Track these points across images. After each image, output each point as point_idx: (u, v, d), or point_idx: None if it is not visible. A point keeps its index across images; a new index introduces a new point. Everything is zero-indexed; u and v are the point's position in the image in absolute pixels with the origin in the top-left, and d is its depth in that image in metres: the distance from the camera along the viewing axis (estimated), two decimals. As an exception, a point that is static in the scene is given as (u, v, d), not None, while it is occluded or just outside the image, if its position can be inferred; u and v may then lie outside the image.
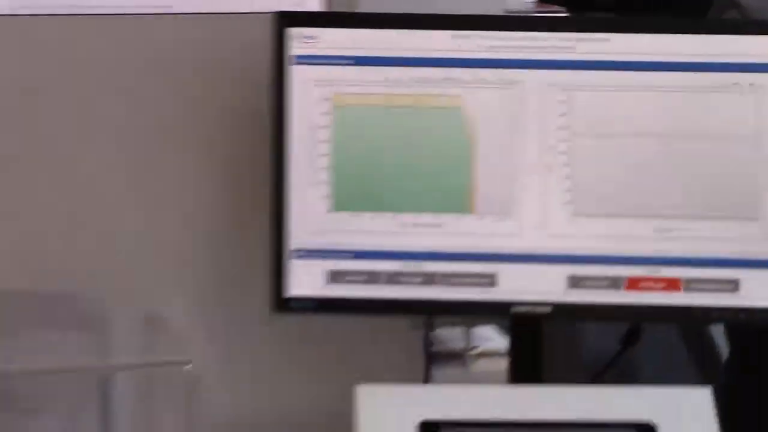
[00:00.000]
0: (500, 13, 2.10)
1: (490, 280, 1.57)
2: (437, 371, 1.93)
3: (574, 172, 1.57)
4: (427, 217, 1.57)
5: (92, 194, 1.77)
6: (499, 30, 1.60)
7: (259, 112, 1.65)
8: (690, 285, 1.55)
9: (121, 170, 1.79)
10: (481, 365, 2.33)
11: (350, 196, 1.60)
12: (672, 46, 1.56)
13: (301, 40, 1.59)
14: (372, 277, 1.59)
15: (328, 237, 1.59)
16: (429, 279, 1.58)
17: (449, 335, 2.33)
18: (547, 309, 1.58)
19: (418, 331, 1.83)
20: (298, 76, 1.58)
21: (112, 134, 1.78)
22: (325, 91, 1.58)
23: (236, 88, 1.77)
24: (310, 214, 1.59)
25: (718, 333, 2.40)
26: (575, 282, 1.57)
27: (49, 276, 1.67)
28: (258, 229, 1.63)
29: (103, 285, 1.67)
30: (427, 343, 1.85)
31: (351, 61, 1.58)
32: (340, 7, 1.74)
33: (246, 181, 1.75)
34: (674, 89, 1.55)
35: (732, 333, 2.15)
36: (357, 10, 1.75)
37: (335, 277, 1.58)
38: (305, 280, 1.59)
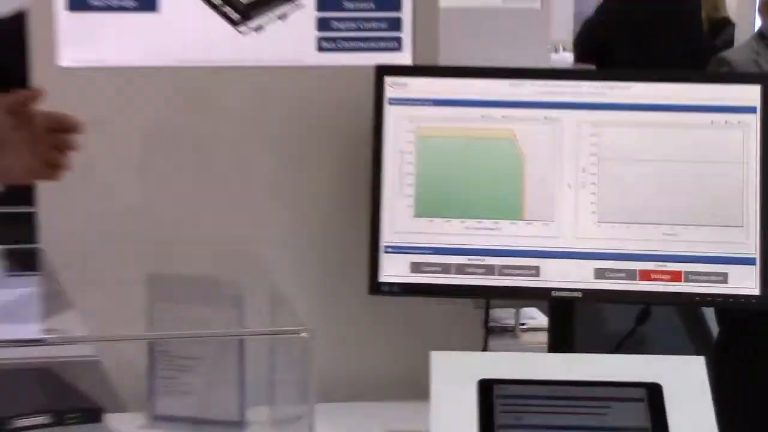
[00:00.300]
0: (547, 66, 2.29)
1: (534, 272, 1.78)
2: (493, 342, 2.09)
3: (600, 189, 1.77)
4: (487, 223, 1.79)
5: (237, 207, 1.98)
6: (546, 79, 1.83)
7: (363, 140, 1.87)
8: (689, 276, 1.75)
9: (262, 188, 2.00)
10: (527, 338, 2.37)
11: (429, 205, 1.81)
12: (679, 92, 1.76)
13: (394, 86, 1.81)
14: (444, 268, 1.80)
15: (411, 237, 1.81)
16: (488, 270, 1.79)
17: (502, 314, 2.39)
18: (578, 294, 1.78)
19: (479, 310, 2.03)
20: (392, 113, 1.80)
21: (254, 162, 2.00)
22: (411, 125, 1.80)
23: (347, 122, 1.96)
24: (398, 218, 1.81)
25: (709, 314, 2.54)
26: (600, 273, 1.77)
27: (202, 265, 1.88)
28: (359, 229, 1.84)
29: (241, 272, 1.85)
30: (486, 319, 2.04)
31: (431, 103, 1.81)
32: (423, 62, 1.96)
33: (352, 192, 1.93)
34: (680, 125, 1.76)
35: (720, 314, 2.38)
36: (437, 64, 1.97)
37: (416, 267, 1.80)
38: (393, 269, 1.81)
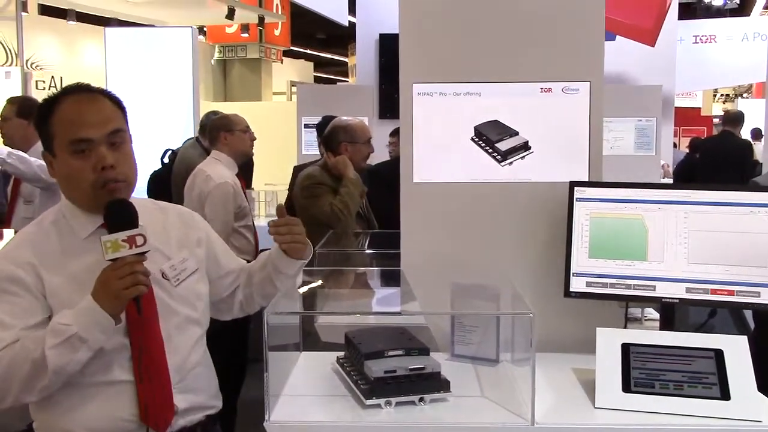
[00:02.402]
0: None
1: (653, 288, 2.02)
2: (629, 324, 2.28)
3: (689, 245, 1.98)
4: (627, 261, 2.02)
5: (498, 250, 2.23)
6: (659, 189, 2.06)
7: (563, 217, 2.09)
8: (738, 292, 1.95)
9: (511, 241, 2.24)
10: (647, 324, 2.44)
11: (596, 252, 2.05)
12: (733, 196, 1.97)
13: (579, 192, 2.07)
14: (604, 285, 2.04)
15: (587, 268, 2.06)
16: (627, 287, 2.03)
17: (634, 310, 2.44)
18: (677, 301, 2.00)
19: (622, 308, 2.21)
20: (578, 205, 2.06)
21: (507, 226, 2.23)
22: (588, 211, 2.06)
23: (556, 209, 2.16)
24: (581, 258, 2.06)
25: (748, 314, 2.63)
26: (689, 290, 1.99)
27: (478, 278, 2.09)
28: (560, 263, 2.09)
29: (498, 283, 2.03)
30: (626, 312, 2.22)
31: (598, 200, 2.05)
32: (595, 179, 2.17)
33: (557, 244, 2.13)
34: (735, 213, 1.95)
35: (755, 315, 2.49)
36: (602, 180, 2.17)
37: (589, 284, 2.05)
38: (577, 285, 2.07)
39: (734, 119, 8.09)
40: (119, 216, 1.54)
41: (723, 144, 7.85)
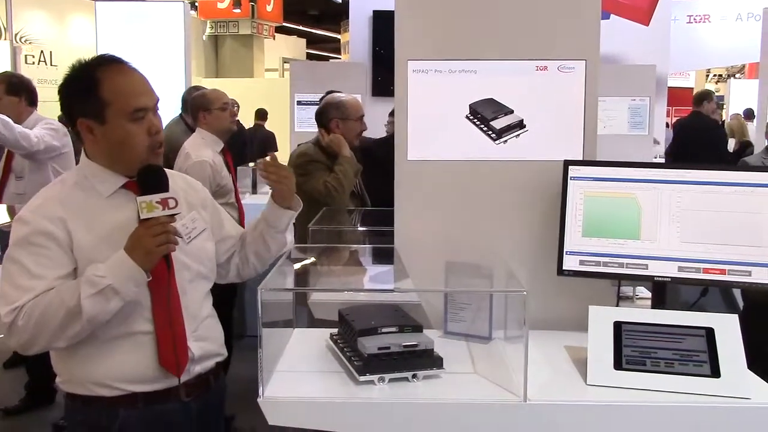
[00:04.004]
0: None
1: (645, 266, 2.01)
2: (621, 303, 2.29)
3: (681, 224, 1.98)
4: (620, 240, 2.02)
5: (492, 231, 2.22)
6: (651, 168, 2.06)
7: (557, 196, 2.08)
8: (730, 271, 1.95)
9: (506, 220, 2.22)
10: (639, 302, 2.43)
11: (590, 230, 2.04)
12: (724, 176, 1.96)
13: (574, 170, 2.06)
14: (597, 264, 2.04)
15: (580, 247, 2.05)
16: (620, 265, 2.02)
17: (626, 289, 2.44)
18: (669, 279, 2.01)
19: (614, 286, 2.22)
20: (573, 184, 2.06)
21: (503, 206, 2.21)
22: (582, 190, 2.05)
23: (551, 187, 2.15)
24: (574, 236, 2.06)
25: (737, 293, 2.66)
26: (681, 269, 1.98)
27: (473, 258, 2.08)
28: (553, 242, 2.08)
29: (491, 262, 2.04)
30: (618, 291, 2.23)
31: (593, 180, 2.04)
32: (589, 158, 2.17)
33: (551, 223, 2.12)
34: (725, 192, 1.95)
35: (744, 294, 2.57)
36: (596, 159, 2.15)
37: (583, 262, 2.04)
38: (570, 263, 2.06)
39: (699, 100, 8.12)
40: (153, 179, 1.67)
41: (694, 125, 7.89)
